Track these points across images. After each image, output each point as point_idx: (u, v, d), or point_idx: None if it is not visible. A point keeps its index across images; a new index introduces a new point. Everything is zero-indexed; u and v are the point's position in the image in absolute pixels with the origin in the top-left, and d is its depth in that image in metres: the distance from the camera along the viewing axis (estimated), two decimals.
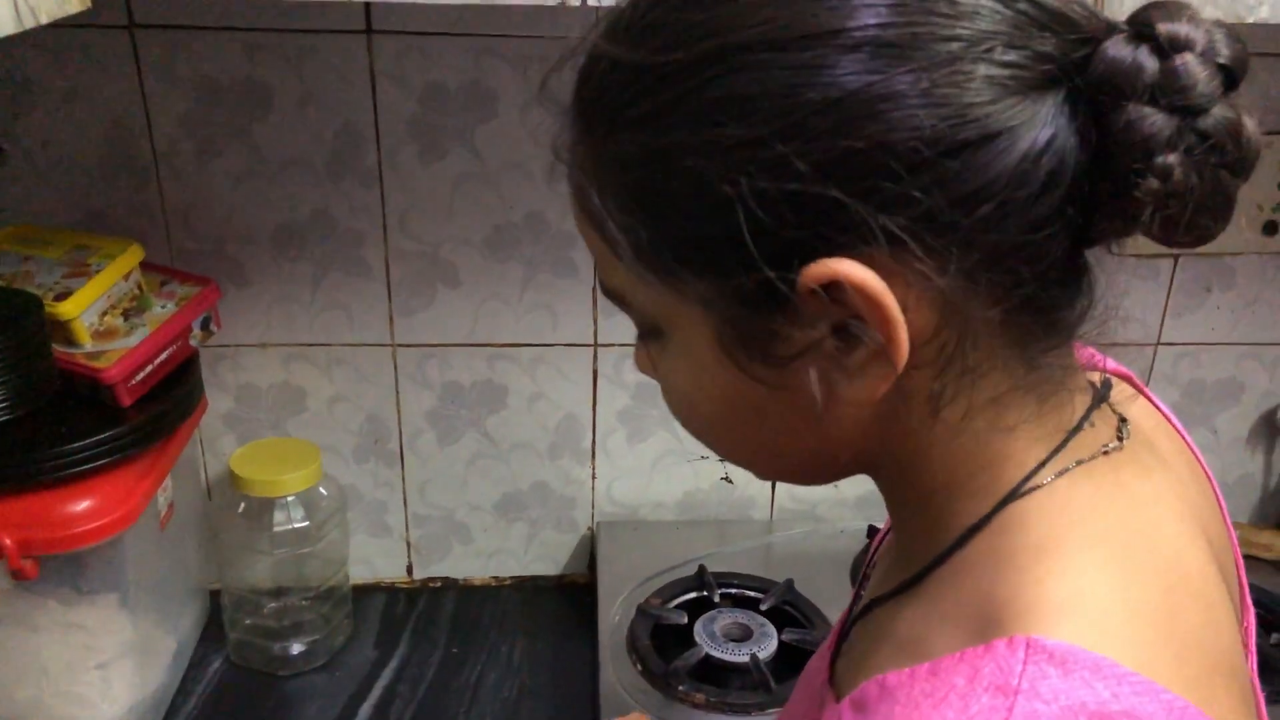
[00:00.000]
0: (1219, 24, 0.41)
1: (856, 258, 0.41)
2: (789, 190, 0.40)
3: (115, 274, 0.93)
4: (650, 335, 0.50)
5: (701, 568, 1.15)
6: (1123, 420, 0.50)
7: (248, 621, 1.14)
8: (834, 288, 0.41)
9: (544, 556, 1.28)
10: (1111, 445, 0.48)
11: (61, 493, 0.87)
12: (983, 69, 0.40)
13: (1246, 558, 1.10)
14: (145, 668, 1.02)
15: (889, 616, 0.50)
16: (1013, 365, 0.45)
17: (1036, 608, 0.41)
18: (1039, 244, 0.42)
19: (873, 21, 0.40)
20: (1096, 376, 0.52)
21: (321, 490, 1.11)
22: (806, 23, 0.40)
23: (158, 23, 0.99)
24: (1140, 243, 1.23)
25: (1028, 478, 0.46)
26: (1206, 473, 0.57)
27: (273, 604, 1.13)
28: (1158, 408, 0.57)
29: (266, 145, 1.05)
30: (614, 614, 1.11)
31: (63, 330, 0.90)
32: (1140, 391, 0.57)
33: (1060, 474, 0.46)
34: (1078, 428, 0.48)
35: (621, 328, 1.16)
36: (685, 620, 1.07)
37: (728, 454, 0.54)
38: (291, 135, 1.05)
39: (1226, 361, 1.26)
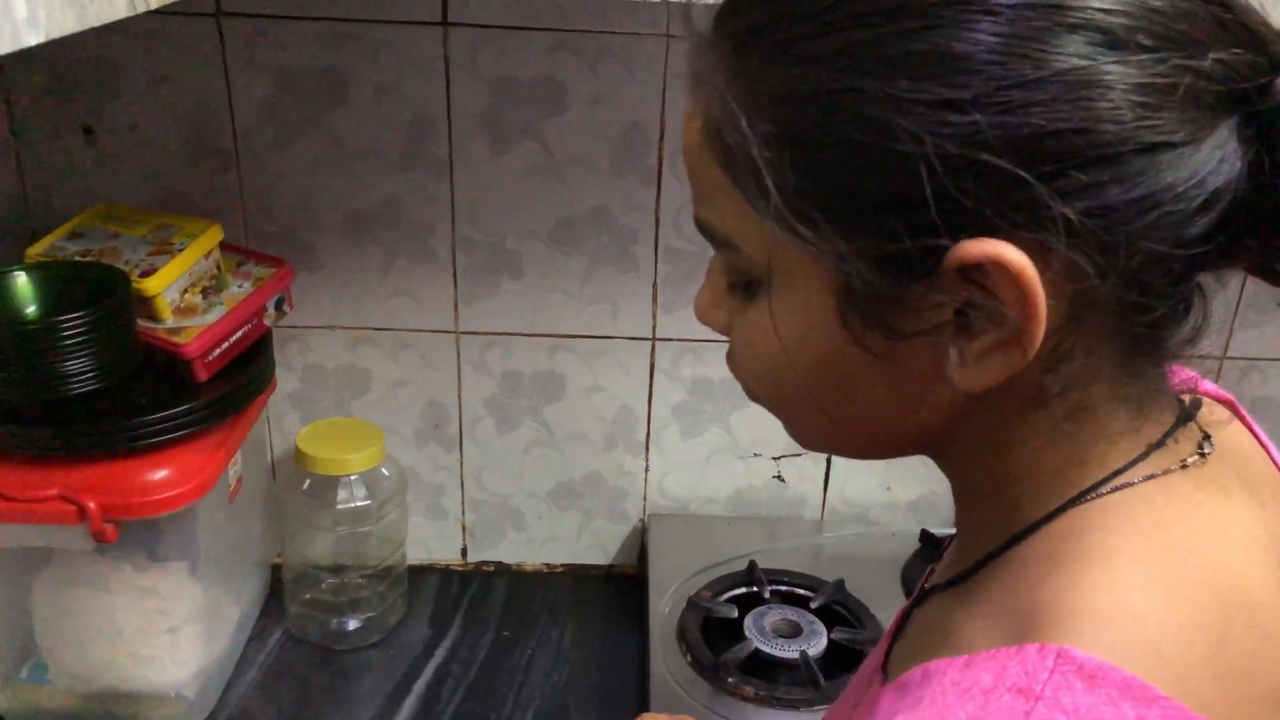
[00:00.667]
0: None
1: (1015, 241, 0.40)
2: (974, 159, 0.39)
3: (197, 253, 0.97)
4: (745, 285, 0.48)
5: (752, 563, 1.17)
6: (1207, 437, 0.49)
7: (307, 596, 1.18)
8: (979, 269, 0.40)
9: (595, 546, 1.31)
10: (1191, 460, 0.47)
11: (140, 461, 0.92)
12: (1187, 77, 0.39)
13: None
14: (212, 634, 1.06)
15: (943, 607, 0.50)
16: (1116, 373, 0.45)
17: (1076, 615, 0.41)
18: (1179, 261, 0.41)
19: (1097, 5, 0.39)
20: (1186, 396, 0.51)
21: (384, 471, 1.14)
22: None
23: (244, 11, 1.03)
24: None
25: (1098, 484, 0.46)
26: None
27: (331, 580, 1.17)
28: (1256, 436, 0.56)
29: (342, 133, 1.09)
30: (664, 605, 1.13)
31: (146, 306, 0.94)
32: (1239, 417, 0.56)
33: (1132, 485, 0.46)
34: (1160, 442, 0.47)
35: (680, 323, 1.18)
36: (735, 615, 1.09)
37: (794, 419, 0.52)
38: (366, 124, 1.08)
39: None
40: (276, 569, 1.23)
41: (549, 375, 1.21)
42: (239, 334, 0.99)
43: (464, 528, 1.29)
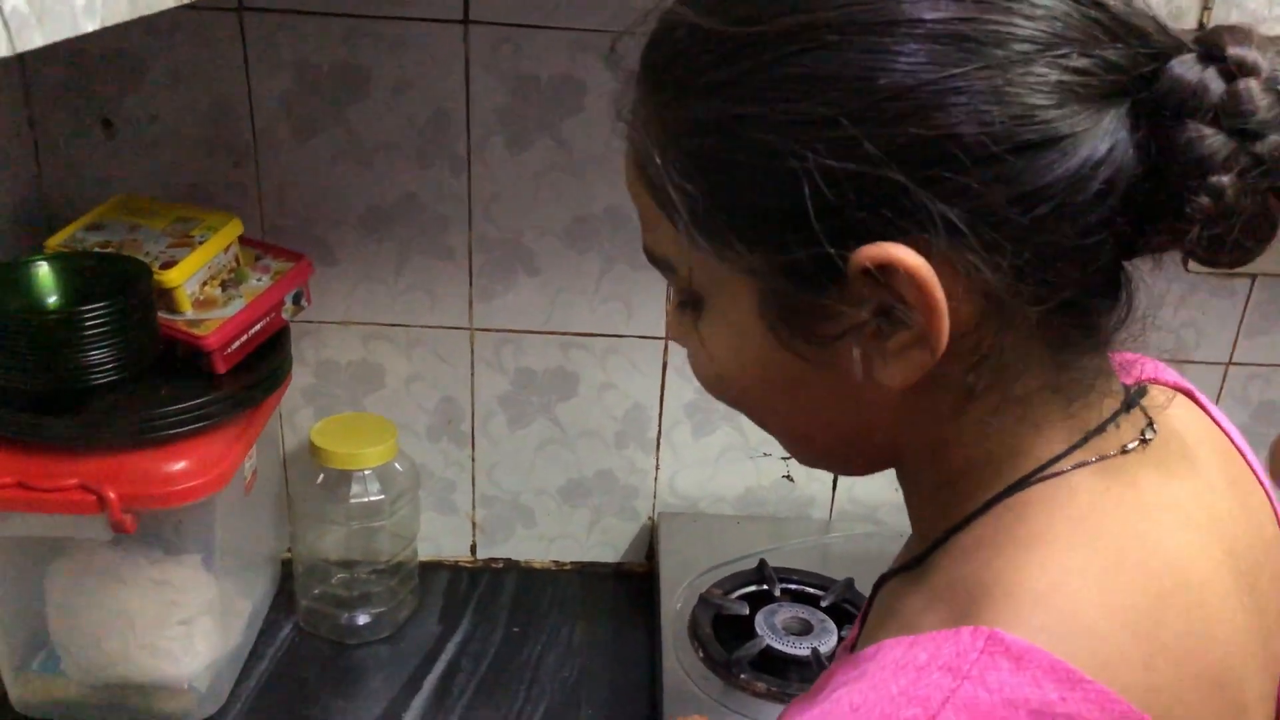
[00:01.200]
0: None
1: (910, 244, 0.42)
2: (855, 171, 0.41)
3: (216, 246, 0.98)
4: (690, 302, 0.52)
5: (762, 562, 1.18)
6: (1150, 424, 0.51)
7: (317, 590, 1.18)
8: (884, 271, 0.43)
9: (604, 544, 1.31)
10: (1132, 446, 0.49)
11: (160, 453, 0.92)
12: (1055, 74, 0.41)
13: None
14: (224, 627, 1.07)
15: (896, 591, 0.52)
16: (1045, 365, 0.47)
17: (1010, 597, 0.43)
18: (1087, 250, 0.43)
19: (953, 15, 0.41)
20: (1133, 385, 0.53)
21: (397, 466, 1.15)
22: (889, 8, 0.42)
23: (265, 6, 1.04)
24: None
25: (1038, 470, 0.48)
26: (1267, 492, 0.57)
27: (342, 574, 1.18)
28: (1215, 420, 0.58)
29: (361, 129, 1.09)
30: (675, 602, 1.14)
31: (166, 297, 0.95)
32: (1198, 404, 0.58)
33: (1066, 472, 0.47)
34: (1099, 428, 0.49)
35: None
36: (746, 612, 1.10)
37: (766, 428, 0.55)
38: (385, 120, 1.09)
39: None
40: (286, 563, 1.24)
41: (562, 373, 1.22)
42: (257, 327, 1.00)
43: (474, 524, 1.30)
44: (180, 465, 0.92)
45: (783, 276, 0.46)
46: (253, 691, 1.10)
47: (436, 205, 1.13)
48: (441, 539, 1.30)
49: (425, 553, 1.29)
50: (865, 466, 0.55)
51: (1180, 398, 0.56)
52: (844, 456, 0.55)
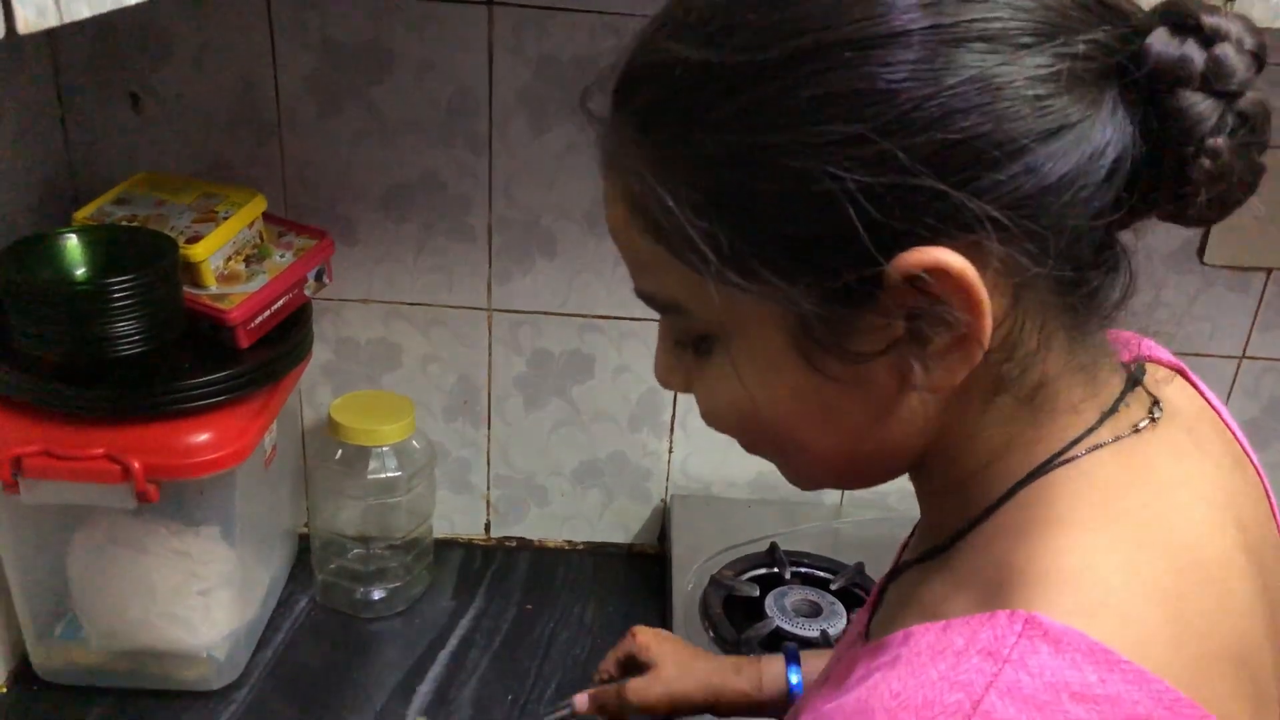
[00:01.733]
0: (1238, 15, 0.45)
1: (949, 245, 0.43)
2: (892, 183, 0.42)
3: (241, 222, 0.99)
4: (695, 343, 0.51)
5: (773, 545, 1.19)
6: (1156, 401, 0.52)
7: (333, 565, 1.20)
8: (920, 278, 0.43)
9: (616, 525, 1.33)
10: (1143, 424, 0.50)
11: (183, 425, 0.94)
12: (1058, 63, 0.43)
13: None
14: (242, 598, 1.08)
15: (919, 579, 0.52)
16: (1063, 346, 0.48)
17: (1044, 580, 0.43)
18: (1102, 229, 0.45)
19: (956, 18, 0.42)
20: (1132, 362, 0.54)
21: (414, 444, 1.17)
22: (893, 20, 0.42)
23: None
24: (1234, 253, 1.24)
25: (1059, 454, 0.48)
26: (1256, 468, 0.58)
27: (358, 550, 1.20)
28: (1205, 398, 0.58)
29: (383, 107, 1.11)
30: (687, 583, 1.16)
31: (191, 272, 0.96)
32: (1189, 380, 0.58)
33: (1091, 451, 0.48)
34: (1113, 409, 0.50)
35: None
36: (757, 593, 1.12)
37: (789, 461, 0.55)
38: (408, 99, 1.10)
39: None
40: (304, 538, 1.26)
41: (578, 355, 1.23)
42: (280, 303, 1.01)
43: (488, 503, 1.31)
44: (203, 437, 0.94)
45: (819, 300, 0.45)
46: (269, 662, 1.12)
47: (457, 185, 1.14)
48: (456, 517, 1.32)
49: (440, 530, 1.31)
50: (883, 478, 0.54)
51: (1176, 376, 0.57)
52: (865, 473, 0.54)
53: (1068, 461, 0.48)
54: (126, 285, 0.87)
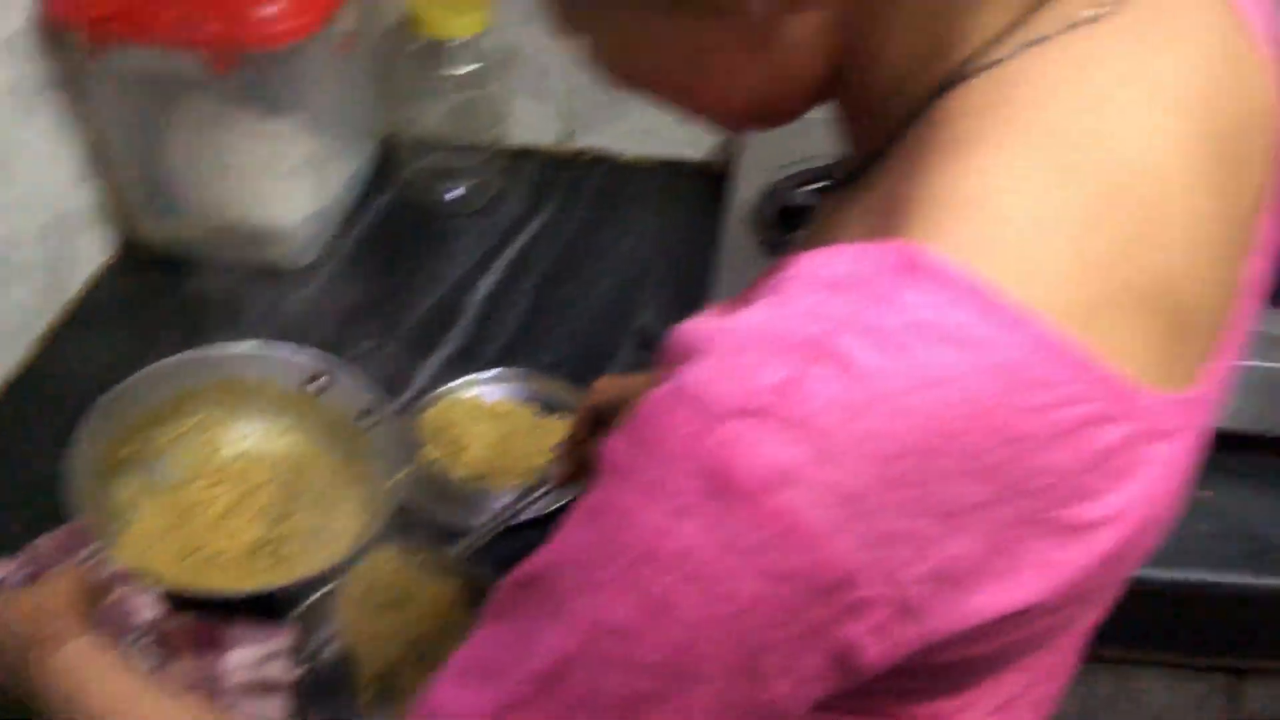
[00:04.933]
0: None
1: None
2: None
3: None
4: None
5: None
6: None
7: (414, 165, 1.28)
8: None
9: (693, 141, 1.35)
10: (1086, 14, 0.44)
11: None
12: None
13: None
14: (321, 182, 1.18)
15: (832, 209, 0.51)
16: None
17: (936, 209, 0.41)
18: None
19: None
20: None
21: (488, 41, 1.20)
22: None
23: None
24: None
25: (965, 63, 0.44)
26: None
27: (436, 151, 1.26)
28: None
29: None
30: (749, 194, 1.20)
31: None
32: None
33: (1020, 50, 0.43)
34: (1036, 7, 0.44)
35: None
36: (813, 204, 1.15)
37: (691, 113, 0.53)
38: None
39: None
40: (387, 144, 1.32)
41: None
42: None
43: (568, 111, 1.35)
44: (274, 7, 1.00)
45: None
46: (349, 246, 1.23)
47: None
48: (532, 123, 1.35)
49: (517, 138, 1.36)
50: (799, 110, 0.52)
51: None
52: (777, 110, 0.52)
53: (984, 68, 0.44)
54: None
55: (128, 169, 1.14)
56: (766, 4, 0.44)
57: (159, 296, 1.15)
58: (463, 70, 1.20)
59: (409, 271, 1.20)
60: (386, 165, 1.31)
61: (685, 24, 0.47)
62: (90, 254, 1.17)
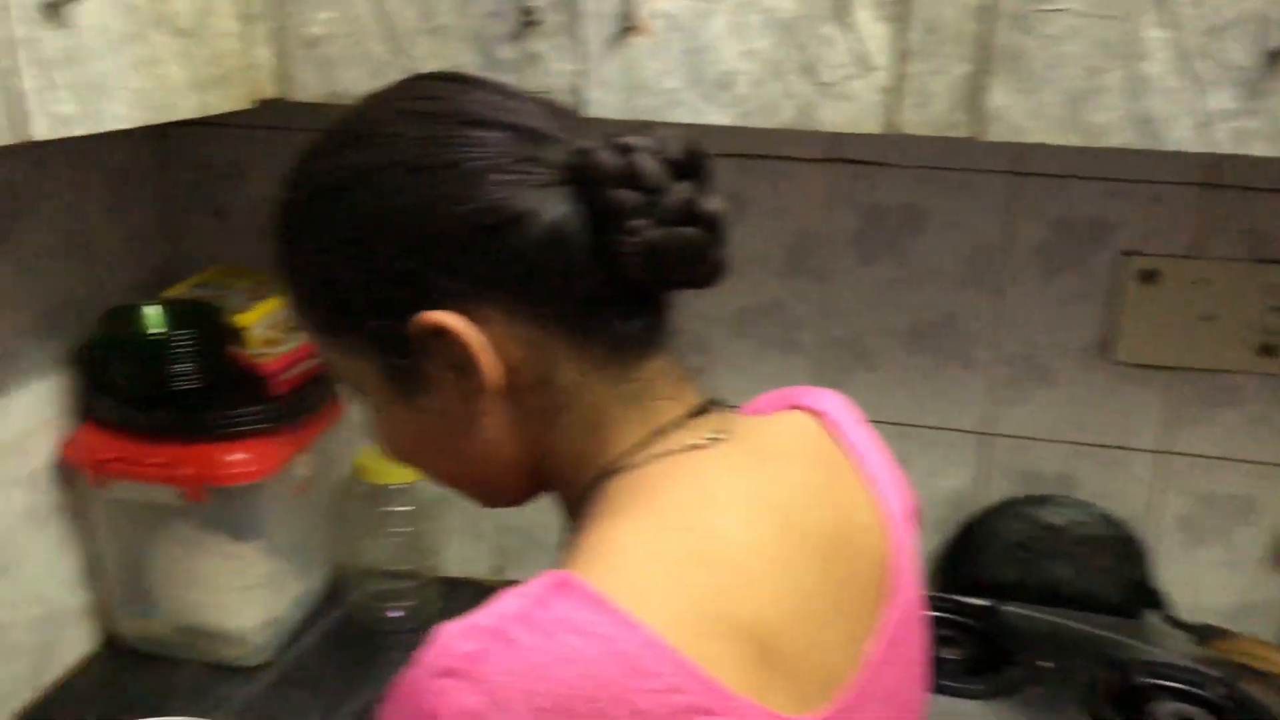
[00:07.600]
0: (677, 136, 0.62)
1: (452, 309, 0.60)
2: (383, 267, 0.61)
3: (279, 302, 1.37)
4: (359, 393, 0.69)
5: None
6: (723, 430, 0.65)
7: (361, 588, 1.52)
8: (440, 332, 0.60)
9: None
10: (693, 442, 0.64)
11: (226, 446, 1.29)
12: (499, 175, 0.60)
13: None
14: (279, 597, 1.42)
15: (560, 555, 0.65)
16: (604, 380, 0.64)
17: (587, 553, 0.57)
18: (574, 290, 0.61)
19: (417, 152, 0.61)
20: (711, 398, 0.69)
21: (423, 485, 1.47)
22: (363, 163, 0.62)
23: None
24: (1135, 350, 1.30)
25: (617, 460, 0.64)
26: (877, 497, 0.69)
27: (380, 576, 1.51)
28: (844, 442, 0.70)
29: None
30: None
31: (242, 335, 1.34)
32: (827, 425, 0.71)
33: (650, 461, 0.63)
34: (665, 431, 0.65)
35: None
36: None
37: (433, 478, 0.71)
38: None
39: (1236, 477, 1.39)
40: (338, 569, 1.56)
41: None
42: (308, 363, 1.38)
43: (498, 547, 1.59)
44: (240, 456, 1.30)
45: (378, 351, 0.64)
46: (298, 652, 1.43)
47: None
48: (465, 558, 1.60)
49: (456, 570, 1.59)
50: (517, 494, 0.71)
51: (795, 415, 0.72)
52: (496, 488, 0.70)
53: (628, 469, 0.63)
54: (184, 337, 1.27)
55: (116, 577, 1.40)
56: (461, 408, 0.64)
57: (132, 684, 1.36)
58: (402, 509, 1.47)
59: (349, 679, 1.38)
60: (337, 587, 1.55)
61: (409, 414, 0.66)
62: (76, 645, 1.39)
